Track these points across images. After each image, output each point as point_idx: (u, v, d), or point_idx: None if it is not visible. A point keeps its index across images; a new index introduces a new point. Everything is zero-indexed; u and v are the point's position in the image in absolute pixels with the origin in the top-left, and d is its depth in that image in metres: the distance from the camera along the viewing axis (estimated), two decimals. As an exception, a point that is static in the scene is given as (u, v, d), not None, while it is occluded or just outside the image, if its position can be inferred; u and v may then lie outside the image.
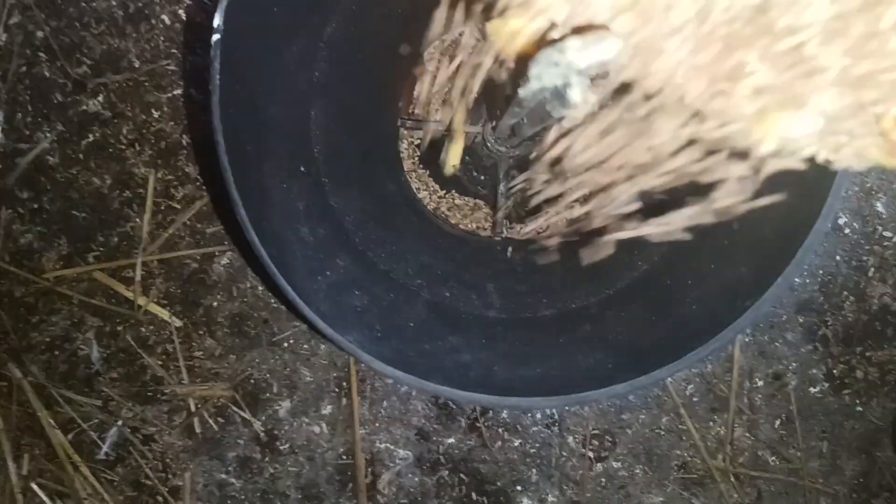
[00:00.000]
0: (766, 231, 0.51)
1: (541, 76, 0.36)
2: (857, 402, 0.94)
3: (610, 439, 0.93)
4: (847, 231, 0.94)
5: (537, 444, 0.92)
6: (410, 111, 0.82)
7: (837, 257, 0.94)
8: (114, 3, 0.91)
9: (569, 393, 0.48)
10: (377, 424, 0.91)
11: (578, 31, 0.35)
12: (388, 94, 0.75)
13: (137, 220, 0.91)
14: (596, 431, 0.93)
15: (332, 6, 0.63)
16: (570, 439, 0.92)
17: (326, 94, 0.66)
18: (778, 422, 0.94)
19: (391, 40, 0.73)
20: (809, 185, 0.47)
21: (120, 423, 0.91)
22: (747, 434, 0.94)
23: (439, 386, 0.47)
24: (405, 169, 0.78)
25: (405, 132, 0.82)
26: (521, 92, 0.40)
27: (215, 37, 0.47)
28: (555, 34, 0.36)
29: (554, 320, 0.62)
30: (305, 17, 0.60)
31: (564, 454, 0.92)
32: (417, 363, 0.51)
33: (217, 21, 0.47)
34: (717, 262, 0.55)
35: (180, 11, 0.90)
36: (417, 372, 0.48)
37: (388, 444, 0.92)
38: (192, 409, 0.91)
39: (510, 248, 0.77)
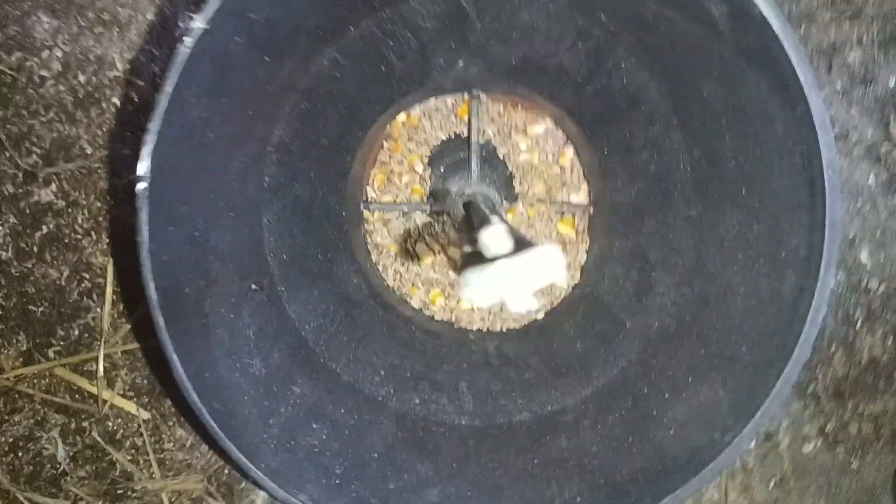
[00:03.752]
0: (741, 349, 0.48)
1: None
2: (853, 458, 0.91)
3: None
4: (832, 283, 0.91)
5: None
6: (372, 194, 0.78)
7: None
8: (62, 88, 0.87)
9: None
10: (358, 509, 0.88)
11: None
12: (347, 180, 0.72)
13: (98, 310, 0.87)
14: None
15: (279, 109, 0.60)
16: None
17: (278, 195, 0.62)
18: (772, 483, 0.91)
19: (345, 127, 0.69)
20: (785, 316, 0.44)
21: (91, 522, 0.88)
22: (741, 497, 0.91)
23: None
24: (371, 256, 0.75)
25: (369, 215, 0.78)
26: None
27: (141, 185, 0.44)
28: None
29: (529, 428, 0.59)
30: (249, 127, 0.57)
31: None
32: (380, 510, 0.48)
33: (142, 169, 0.44)
34: (693, 375, 0.52)
35: (132, 93, 0.87)
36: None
37: (370, 529, 0.88)
38: (166, 503, 0.88)
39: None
